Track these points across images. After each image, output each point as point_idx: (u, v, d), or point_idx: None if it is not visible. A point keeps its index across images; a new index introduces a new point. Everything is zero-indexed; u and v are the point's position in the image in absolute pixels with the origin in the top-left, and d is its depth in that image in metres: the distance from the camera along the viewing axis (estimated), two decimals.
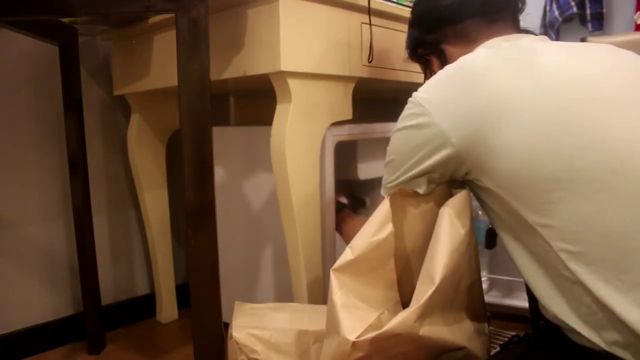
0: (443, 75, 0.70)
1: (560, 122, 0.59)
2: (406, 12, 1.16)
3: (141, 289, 1.54)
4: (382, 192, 0.77)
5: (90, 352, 1.28)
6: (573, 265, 0.58)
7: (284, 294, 1.23)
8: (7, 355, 1.24)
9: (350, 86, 1.07)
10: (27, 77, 1.28)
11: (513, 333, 1.02)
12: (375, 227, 0.67)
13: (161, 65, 1.19)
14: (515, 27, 0.79)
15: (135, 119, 1.36)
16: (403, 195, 0.70)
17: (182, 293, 1.51)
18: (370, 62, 1.07)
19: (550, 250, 0.60)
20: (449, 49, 0.82)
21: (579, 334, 0.59)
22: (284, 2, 0.90)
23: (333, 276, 0.66)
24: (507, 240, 0.68)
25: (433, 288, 0.62)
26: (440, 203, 0.71)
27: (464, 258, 0.67)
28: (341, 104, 1.05)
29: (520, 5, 0.80)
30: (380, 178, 1.52)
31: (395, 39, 1.16)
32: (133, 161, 1.38)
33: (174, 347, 1.31)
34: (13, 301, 1.26)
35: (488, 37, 0.75)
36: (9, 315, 1.26)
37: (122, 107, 1.45)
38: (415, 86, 1.53)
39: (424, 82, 0.92)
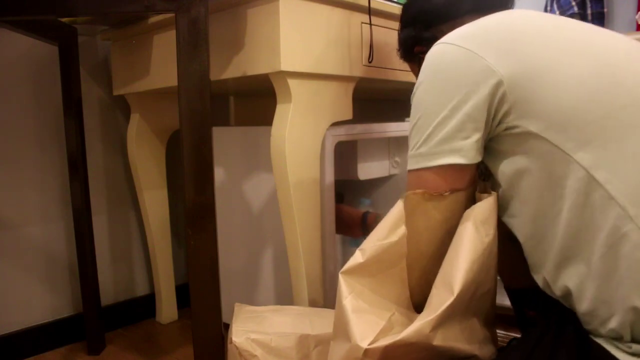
0: (476, 25, 0.67)
1: (622, 65, 0.61)
2: None
3: (141, 290, 1.54)
4: (411, 163, 0.68)
5: (89, 353, 1.28)
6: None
7: (284, 294, 1.22)
8: (7, 356, 1.24)
9: (351, 86, 1.07)
10: (27, 77, 1.27)
11: (514, 335, 1.02)
12: (387, 229, 0.65)
13: (161, 65, 1.19)
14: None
15: (135, 119, 1.36)
16: (422, 196, 0.66)
17: (182, 293, 1.51)
18: (370, 62, 1.07)
19: (613, 206, 0.56)
20: None
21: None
22: (284, 2, 0.90)
23: (342, 280, 0.64)
24: (527, 212, 0.63)
25: (452, 299, 0.60)
26: (464, 207, 0.67)
27: (484, 267, 0.64)
28: (341, 104, 1.05)
29: (510, 4, 0.81)
30: (380, 178, 1.52)
31: (395, 39, 1.16)
32: (133, 161, 1.38)
33: (173, 348, 1.31)
34: (13, 302, 1.26)
35: None
36: (9, 315, 1.25)
37: (121, 107, 1.44)
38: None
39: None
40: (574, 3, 2.23)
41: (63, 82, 1.21)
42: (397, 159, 1.47)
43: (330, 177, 1.04)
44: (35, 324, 1.30)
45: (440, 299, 0.61)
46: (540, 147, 0.60)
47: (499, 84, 0.61)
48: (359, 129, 1.14)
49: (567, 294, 0.62)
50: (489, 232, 0.65)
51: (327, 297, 1.05)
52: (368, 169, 1.39)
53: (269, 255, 1.25)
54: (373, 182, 1.45)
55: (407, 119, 1.37)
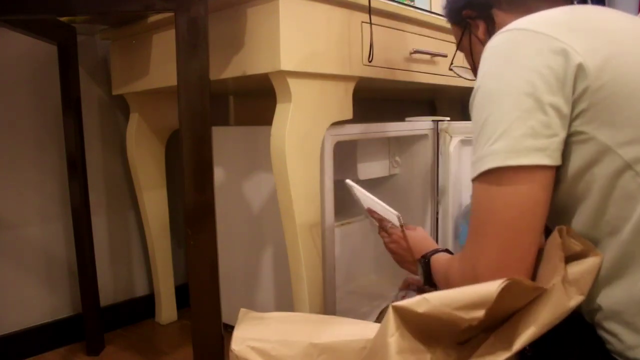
0: (549, 13, 0.58)
1: None
2: (407, 11, 1.16)
3: (140, 290, 1.53)
4: (480, 164, 0.55)
5: (89, 353, 1.28)
6: None
7: (284, 294, 1.22)
8: (6, 357, 1.23)
9: (351, 86, 1.07)
10: (26, 77, 1.27)
11: None
12: (465, 303, 0.56)
13: (160, 65, 1.19)
14: (571, 2, 0.73)
15: (134, 119, 1.36)
16: (523, 285, 0.55)
17: (182, 294, 1.50)
18: (370, 62, 1.07)
19: None
20: (499, 15, 0.72)
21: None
22: (284, 1, 0.90)
23: (392, 314, 0.59)
24: (579, 228, 0.56)
25: (507, 355, 0.55)
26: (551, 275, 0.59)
27: (553, 325, 0.58)
28: (341, 103, 1.05)
29: None
30: (380, 178, 1.51)
31: (396, 38, 1.16)
32: (132, 161, 1.37)
33: (173, 348, 1.31)
34: (12, 302, 1.26)
35: (548, 7, 0.64)
36: (8, 316, 1.25)
37: (121, 106, 1.44)
38: (416, 85, 1.53)
39: (457, 50, 0.84)
40: (575, 2, 2.23)
41: (62, 82, 1.21)
42: (397, 158, 1.46)
43: (329, 177, 1.04)
44: (34, 324, 1.29)
45: (495, 348, 0.56)
46: (607, 164, 0.52)
47: (583, 76, 0.52)
48: (359, 129, 1.14)
49: (596, 312, 0.58)
50: (574, 296, 0.56)
51: (326, 297, 1.04)
52: (368, 169, 1.38)
53: (269, 255, 1.25)
54: (373, 182, 1.44)
55: (407, 119, 1.37)
